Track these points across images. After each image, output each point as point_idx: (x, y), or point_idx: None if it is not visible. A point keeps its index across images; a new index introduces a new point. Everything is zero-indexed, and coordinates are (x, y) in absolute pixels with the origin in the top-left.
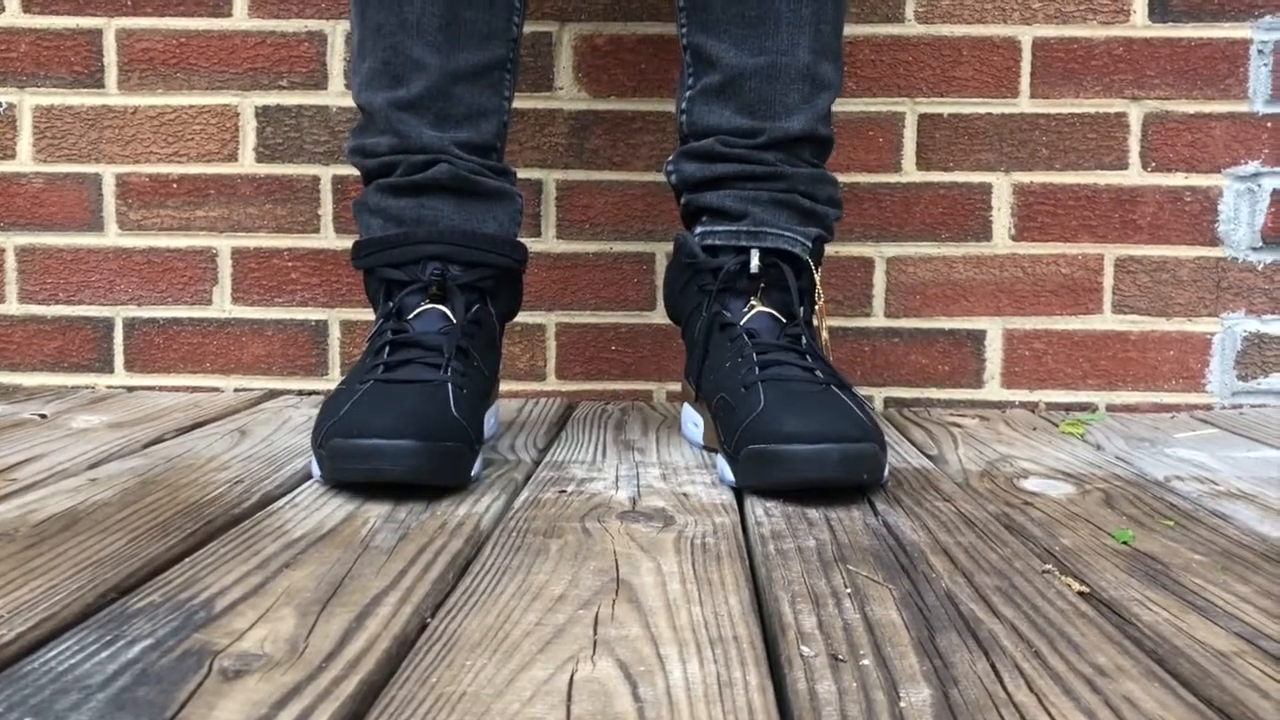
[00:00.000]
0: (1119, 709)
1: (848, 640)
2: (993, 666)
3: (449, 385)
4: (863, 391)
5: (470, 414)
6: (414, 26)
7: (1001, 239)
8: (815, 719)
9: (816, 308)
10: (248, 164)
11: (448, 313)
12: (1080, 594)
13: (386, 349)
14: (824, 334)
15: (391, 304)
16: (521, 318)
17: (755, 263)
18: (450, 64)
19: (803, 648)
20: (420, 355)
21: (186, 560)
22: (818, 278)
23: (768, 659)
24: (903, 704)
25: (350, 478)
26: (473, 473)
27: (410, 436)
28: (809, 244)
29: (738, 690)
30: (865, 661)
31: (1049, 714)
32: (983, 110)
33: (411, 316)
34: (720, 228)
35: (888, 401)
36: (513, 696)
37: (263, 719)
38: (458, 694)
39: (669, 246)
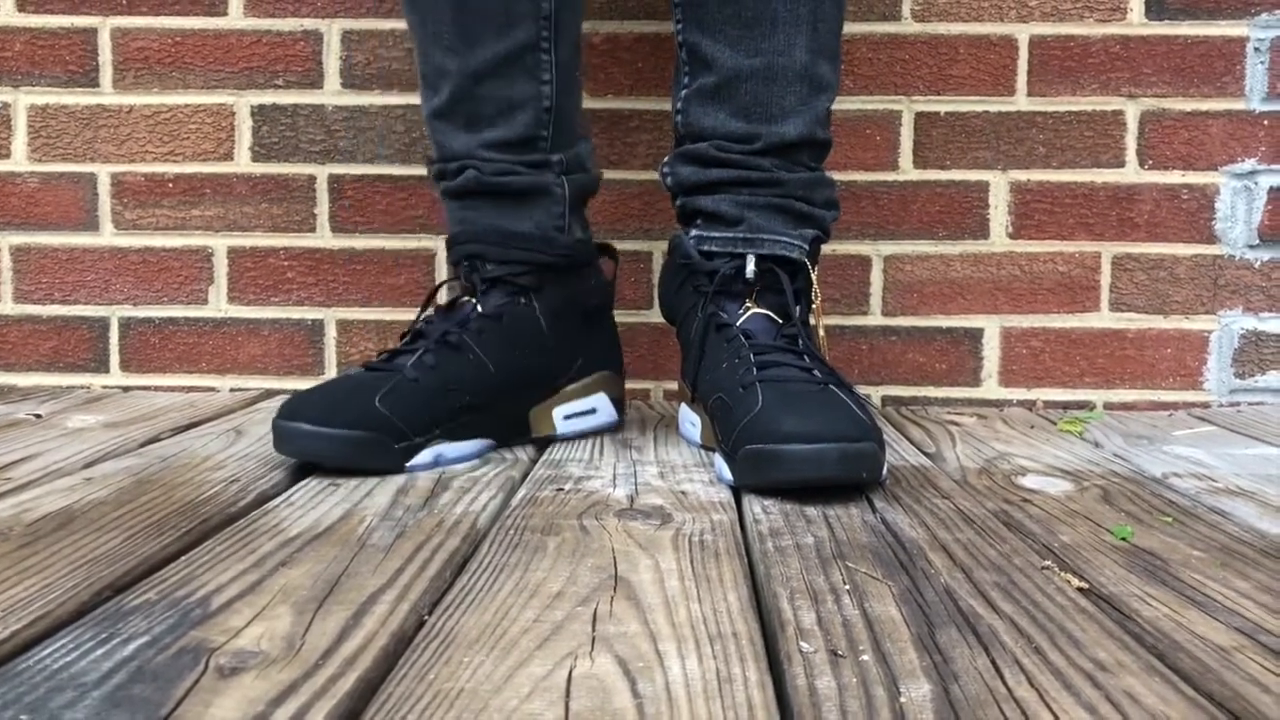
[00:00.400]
0: (1120, 704)
1: (847, 636)
2: (993, 662)
3: (395, 376)
4: (860, 390)
5: (411, 406)
6: (434, 35)
7: (999, 237)
8: (815, 714)
9: (813, 307)
10: (243, 163)
11: (478, 306)
12: (1080, 590)
13: (406, 338)
14: (820, 333)
15: (442, 300)
16: None
17: (751, 268)
18: (468, 65)
19: (802, 643)
20: (421, 345)
21: (182, 558)
22: (814, 277)
23: (767, 655)
24: (903, 699)
25: (282, 453)
26: (413, 462)
27: (320, 424)
28: (805, 246)
29: (737, 686)
30: (865, 657)
31: (1050, 709)
32: (979, 108)
33: (451, 309)
34: (716, 233)
35: (885, 400)
36: (511, 693)
37: (259, 716)
38: (456, 690)
39: (666, 245)
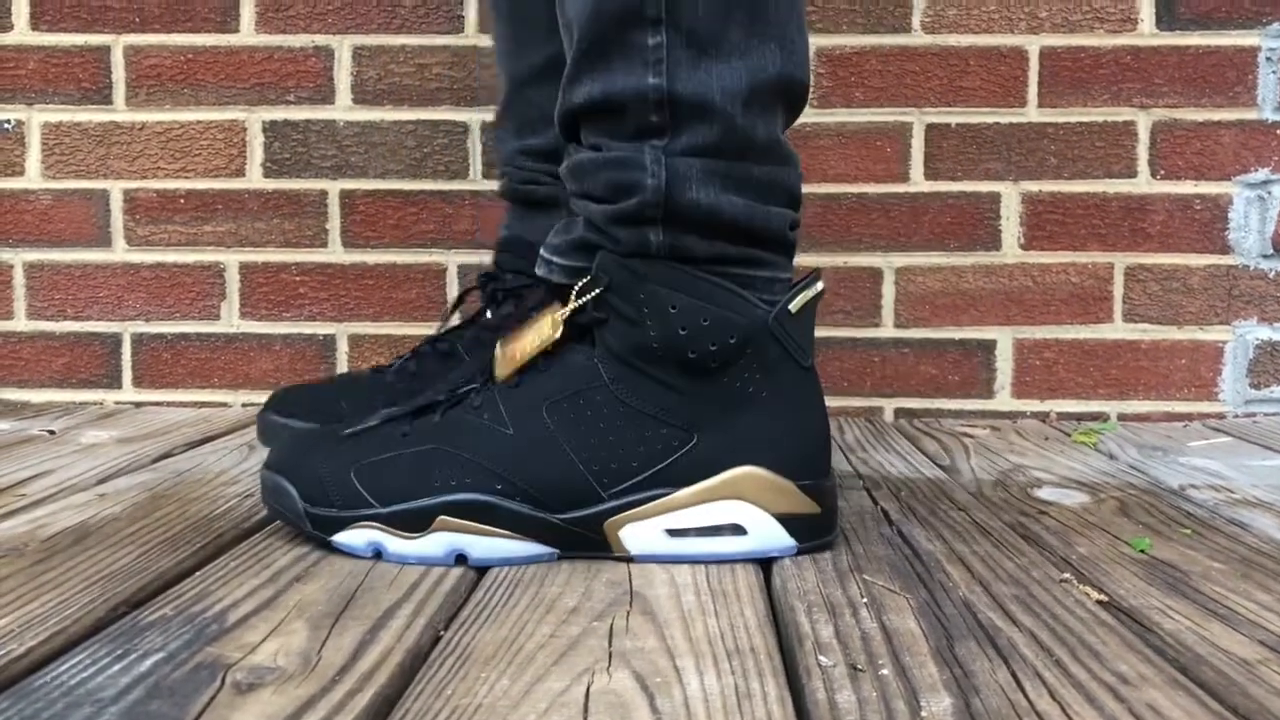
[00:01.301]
0: (1143, 717)
1: (866, 650)
2: (1014, 675)
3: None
4: (873, 402)
5: None
6: (501, 39)
7: (1010, 248)
8: None
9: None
10: (255, 179)
11: (488, 313)
12: (1099, 602)
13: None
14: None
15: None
16: None
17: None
18: (517, 71)
19: (821, 657)
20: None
21: (197, 574)
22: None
23: (785, 670)
24: (924, 713)
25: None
26: None
27: None
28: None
29: (756, 701)
30: (884, 671)
31: None
32: (990, 120)
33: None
34: None
35: (898, 412)
36: (529, 708)
37: None
38: (473, 706)
39: None
